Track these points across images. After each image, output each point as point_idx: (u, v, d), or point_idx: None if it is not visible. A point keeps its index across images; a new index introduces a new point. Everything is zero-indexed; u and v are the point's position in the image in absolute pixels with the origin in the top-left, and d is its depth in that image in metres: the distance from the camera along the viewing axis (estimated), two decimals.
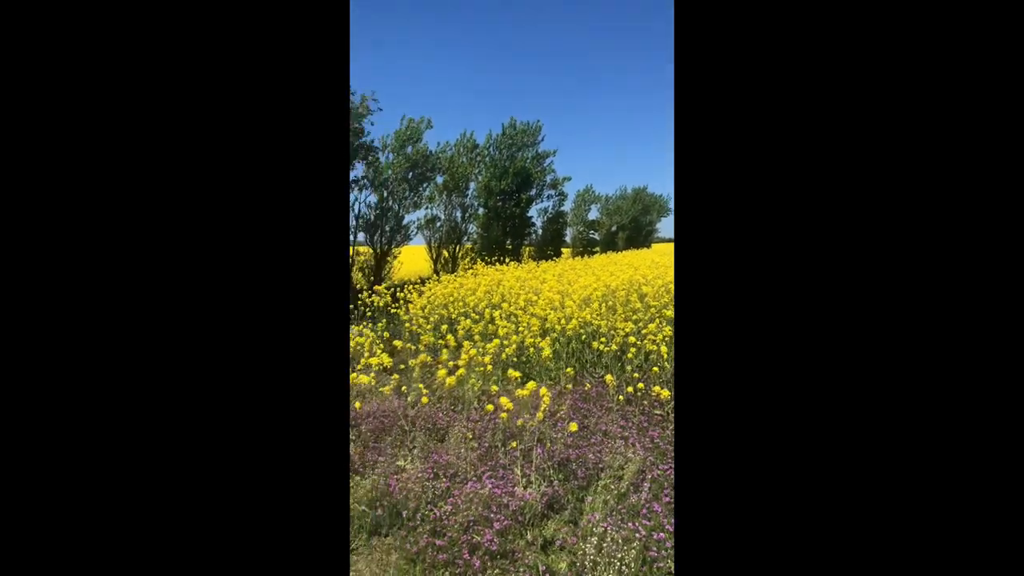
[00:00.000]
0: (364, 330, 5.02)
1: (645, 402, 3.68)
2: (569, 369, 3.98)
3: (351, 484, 2.85)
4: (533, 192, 17.67)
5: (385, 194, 13.01)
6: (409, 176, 13.26)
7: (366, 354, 4.34)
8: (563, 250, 20.15)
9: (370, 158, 12.22)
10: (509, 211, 16.20)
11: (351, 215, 13.38)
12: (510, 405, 2.68)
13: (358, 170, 12.09)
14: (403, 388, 3.74)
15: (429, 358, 4.08)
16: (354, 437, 3.34)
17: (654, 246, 30.50)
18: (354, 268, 12.91)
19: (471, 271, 9.80)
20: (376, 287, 7.44)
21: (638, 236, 28.49)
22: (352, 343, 4.57)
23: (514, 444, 2.90)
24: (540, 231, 19.55)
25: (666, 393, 3.10)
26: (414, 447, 3.19)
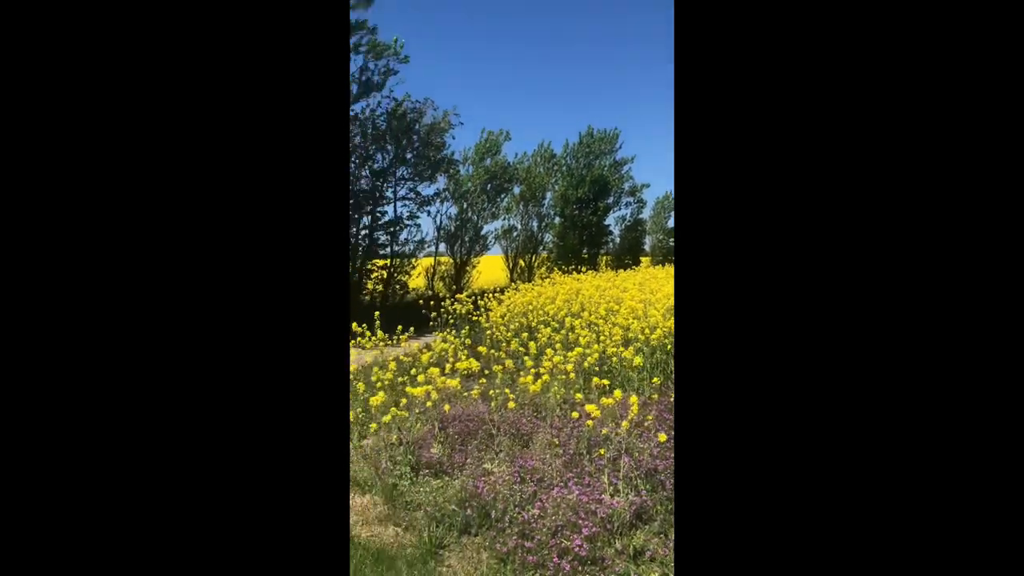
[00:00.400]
0: (448, 336, 5.20)
1: None
2: (656, 379, 3.91)
3: (440, 484, 2.97)
4: (610, 200, 17.51)
5: (465, 205, 13.40)
6: (488, 187, 13.59)
7: (451, 359, 4.50)
8: (642, 259, 19.74)
9: (451, 171, 12.65)
10: (586, 220, 16.12)
11: (433, 227, 13.88)
12: (597, 412, 2.68)
13: (440, 183, 12.55)
14: (491, 392, 3.83)
15: (512, 364, 4.16)
16: (442, 439, 3.46)
17: None
18: (435, 277, 13.37)
19: (548, 280, 9.85)
20: (457, 295, 7.67)
21: None
22: (438, 348, 4.74)
23: (602, 452, 2.89)
24: (618, 239, 19.29)
25: None
26: (500, 451, 3.26)
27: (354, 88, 10.14)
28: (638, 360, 3.84)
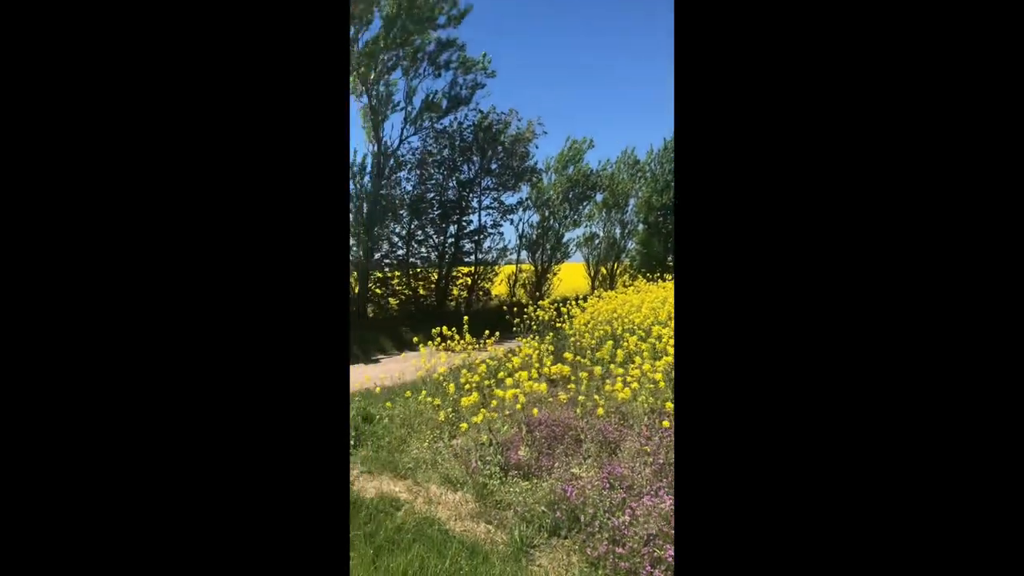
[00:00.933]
0: (531, 342, 5.28)
1: None
2: None
3: (529, 486, 3.03)
4: None
5: (547, 213, 13.51)
6: (570, 195, 13.62)
7: (535, 364, 4.57)
8: None
9: (534, 180, 12.82)
10: (671, 227, 15.67)
11: (515, 234, 14.08)
12: None
13: (523, 192, 12.76)
14: (580, 398, 3.86)
15: (600, 370, 4.16)
16: (529, 442, 3.53)
17: None
18: (517, 284, 13.57)
19: (631, 287, 9.69)
20: (540, 302, 7.75)
21: None
22: (522, 354, 4.83)
23: None
24: None
25: None
26: (587, 457, 3.27)
27: (444, 103, 10.59)
28: None
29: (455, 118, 11.10)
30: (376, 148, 9.98)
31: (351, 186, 9.71)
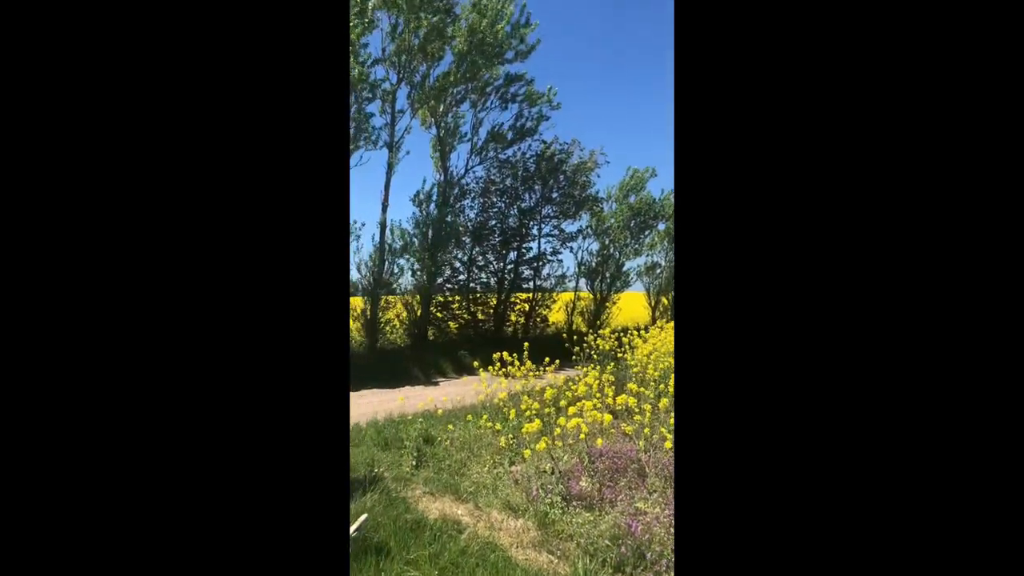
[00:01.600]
0: (593, 372, 5.23)
1: None
2: None
3: (592, 518, 2.98)
4: None
5: (607, 241, 13.45)
6: (631, 224, 13.51)
7: (597, 394, 4.52)
8: None
9: (595, 208, 12.84)
10: None
11: (574, 262, 14.09)
12: None
13: (583, 220, 12.80)
14: (645, 431, 3.78)
15: (666, 403, 4.06)
16: (591, 472, 3.48)
17: None
18: (575, 312, 13.50)
19: None
20: (600, 331, 7.68)
21: None
22: (582, 384, 4.80)
23: None
24: None
25: None
26: (653, 491, 3.19)
27: (509, 134, 10.90)
28: None
29: (519, 148, 11.38)
30: (443, 177, 10.35)
31: (416, 212, 10.08)
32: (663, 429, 3.38)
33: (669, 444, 3.32)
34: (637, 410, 4.04)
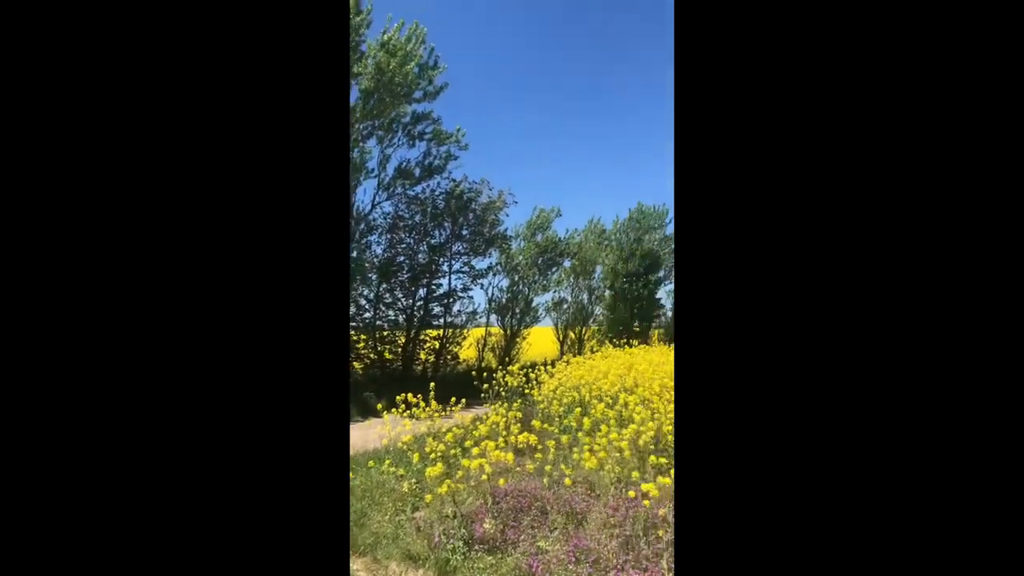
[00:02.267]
0: (500, 409, 5.23)
1: None
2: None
3: (494, 561, 2.93)
4: (661, 274, 17.47)
5: (516, 278, 13.73)
6: (539, 261, 13.94)
7: (503, 432, 4.52)
8: None
9: (503, 246, 13.11)
10: (636, 293, 16.09)
11: (485, 298, 14.19)
12: (656, 492, 2.63)
13: (492, 257, 13.01)
14: (547, 468, 3.81)
15: (567, 439, 4.14)
16: (495, 513, 3.44)
17: None
18: (486, 348, 13.52)
19: (599, 353, 9.78)
20: (509, 367, 7.73)
21: None
22: (489, 422, 4.78)
23: (660, 533, 2.80)
24: (669, 313, 19.01)
25: None
26: (554, 529, 3.20)
27: (417, 172, 10.93)
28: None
29: (427, 185, 11.43)
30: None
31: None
32: (563, 466, 3.43)
33: (569, 481, 3.37)
34: (539, 447, 4.07)
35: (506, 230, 13.12)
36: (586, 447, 3.82)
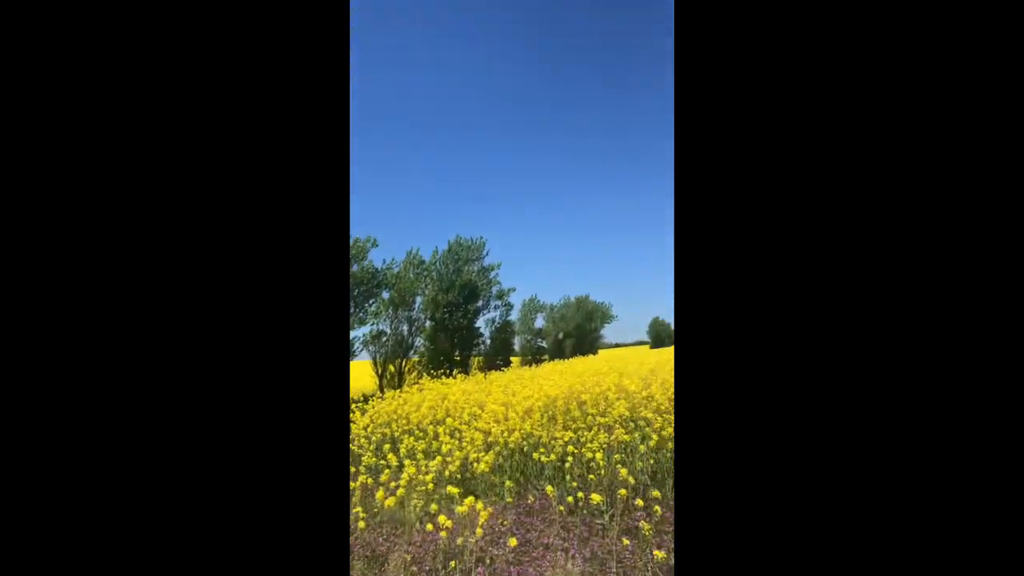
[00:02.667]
0: None
1: (586, 511, 3.73)
2: (509, 482, 4.02)
3: None
4: (480, 304, 18.19)
5: None
6: (354, 293, 13.47)
7: None
8: (512, 359, 20.35)
9: None
10: (456, 322, 16.48)
11: None
12: (449, 523, 2.71)
13: None
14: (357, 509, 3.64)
15: (370, 480, 4.03)
16: None
17: (600, 352, 31.26)
18: None
19: (417, 385, 9.75)
20: None
21: (584, 343, 29.24)
22: None
23: (453, 564, 2.88)
24: (488, 341, 19.80)
25: (597, 498, 3.21)
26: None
27: None
28: (483, 465, 3.97)
29: None
30: None
31: None
32: (359, 509, 3.33)
33: (363, 524, 3.29)
34: None
35: None
36: (391, 484, 3.77)
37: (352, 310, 13.51)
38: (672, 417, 4.39)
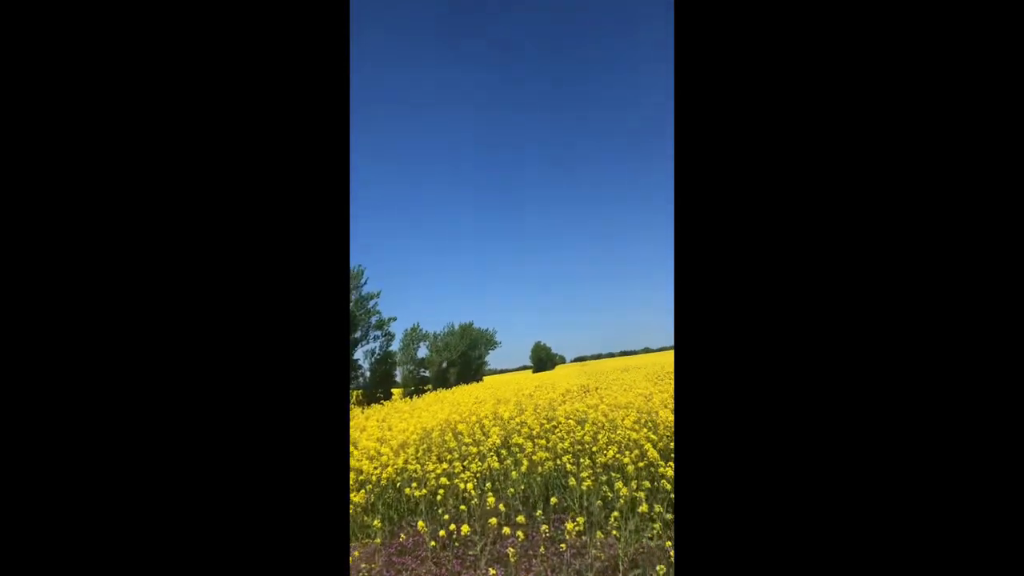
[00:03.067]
0: None
1: (458, 543, 3.73)
2: (376, 521, 3.90)
3: None
4: (359, 334, 17.54)
5: None
6: None
7: None
8: (394, 391, 19.75)
9: None
10: None
11: None
12: None
13: None
14: None
15: None
16: None
17: (485, 379, 31.48)
18: None
19: None
20: None
21: (468, 371, 29.27)
22: None
23: None
24: (368, 373, 19.09)
25: (467, 529, 3.24)
26: None
27: None
28: (353, 506, 3.83)
29: None
30: None
31: None
32: None
33: None
34: None
35: None
36: None
37: None
38: (543, 441, 4.56)
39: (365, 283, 17.90)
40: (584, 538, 3.30)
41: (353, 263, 19.09)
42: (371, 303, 18.30)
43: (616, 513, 3.25)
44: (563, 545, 3.11)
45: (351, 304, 17.10)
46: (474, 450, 4.66)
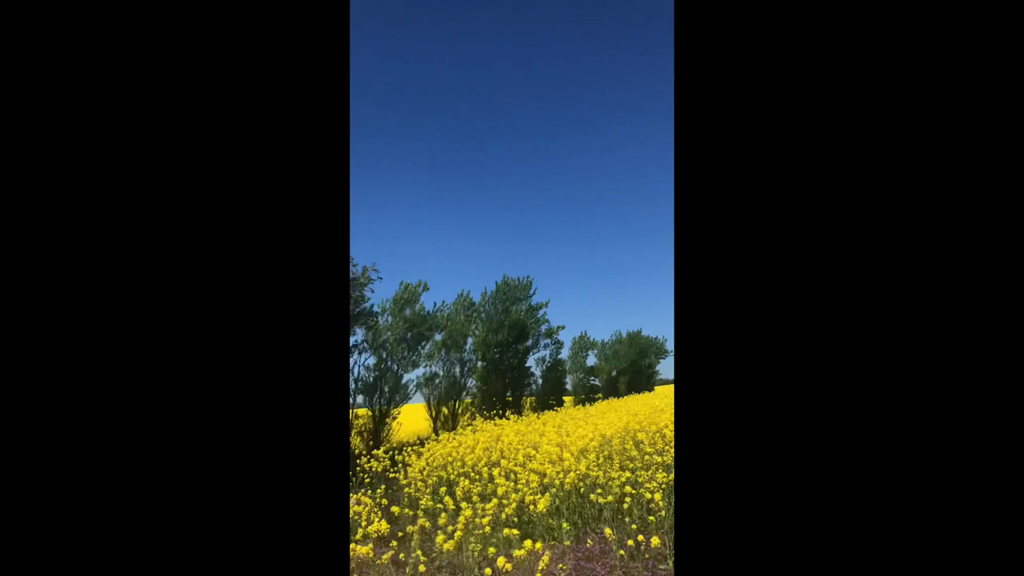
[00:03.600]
0: (362, 498, 4.96)
1: (647, 555, 3.60)
2: (565, 524, 3.94)
3: None
4: (530, 342, 18.15)
5: (384, 355, 13.37)
6: (408, 336, 13.77)
7: (363, 523, 4.29)
8: (565, 398, 20.03)
9: (370, 323, 12.81)
10: (507, 363, 16.48)
11: (350, 378, 13.57)
12: (509, 567, 2.69)
13: (358, 335, 12.60)
14: (401, 556, 3.67)
15: (428, 523, 4.05)
16: None
17: (657, 389, 30.28)
18: (352, 432, 12.74)
19: (470, 427, 9.76)
20: (374, 451, 7.39)
21: (639, 380, 28.44)
22: (351, 512, 4.51)
23: None
24: (540, 381, 19.63)
25: (656, 541, 3.10)
26: None
27: None
28: (541, 506, 3.90)
29: None
30: None
31: None
32: (419, 552, 3.35)
33: (423, 568, 3.29)
34: (400, 534, 3.93)
35: (373, 306, 12.89)
36: (449, 528, 3.77)
37: (405, 354, 13.79)
38: None
39: (534, 293, 18.52)
40: None
41: (523, 273, 19.82)
42: (541, 312, 18.85)
43: None
44: None
45: (521, 314, 17.79)
46: (659, 460, 4.47)
